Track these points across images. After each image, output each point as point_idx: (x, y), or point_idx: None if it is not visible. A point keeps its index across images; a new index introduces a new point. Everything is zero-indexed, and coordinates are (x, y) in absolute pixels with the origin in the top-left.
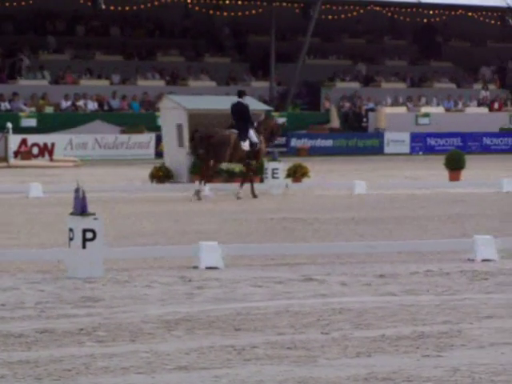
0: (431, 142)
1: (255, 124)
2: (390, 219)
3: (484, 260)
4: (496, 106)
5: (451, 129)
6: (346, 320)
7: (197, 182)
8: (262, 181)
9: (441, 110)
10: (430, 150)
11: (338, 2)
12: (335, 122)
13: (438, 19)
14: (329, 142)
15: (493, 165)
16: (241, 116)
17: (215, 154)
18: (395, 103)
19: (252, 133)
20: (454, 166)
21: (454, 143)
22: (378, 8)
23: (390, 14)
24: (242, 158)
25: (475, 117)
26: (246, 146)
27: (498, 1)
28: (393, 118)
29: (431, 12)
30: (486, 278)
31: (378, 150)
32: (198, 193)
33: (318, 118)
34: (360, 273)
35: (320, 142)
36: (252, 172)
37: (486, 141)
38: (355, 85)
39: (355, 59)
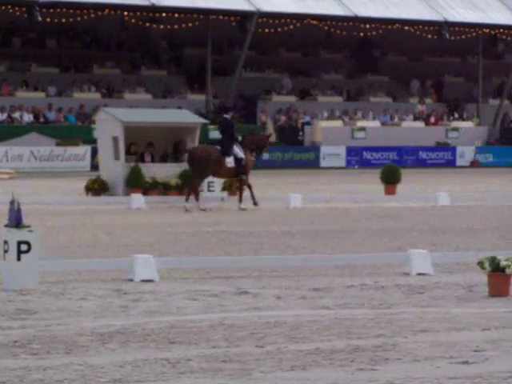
0: (367, 155)
1: (239, 139)
2: (325, 233)
3: (419, 274)
4: (432, 120)
5: (387, 143)
6: (281, 333)
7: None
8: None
9: (377, 123)
10: (365, 164)
11: (275, 15)
12: (271, 136)
13: (374, 33)
14: (265, 156)
15: (429, 179)
16: (225, 132)
17: (196, 171)
18: (331, 117)
19: (236, 148)
20: (390, 179)
21: (389, 157)
22: (314, 22)
23: (326, 28)
24: (228, 174)
25: (411, 131)
26: (230, 162)
27: (434, 15)
28: (329, 131)
29: (368, 26)
30: (421, 292)
31: (313, 164)
32: (199, 207)
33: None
34: (295, 286)
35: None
36: (247, 185)
37: (422, 155)
38: (291, 98)
39: (291, 73)
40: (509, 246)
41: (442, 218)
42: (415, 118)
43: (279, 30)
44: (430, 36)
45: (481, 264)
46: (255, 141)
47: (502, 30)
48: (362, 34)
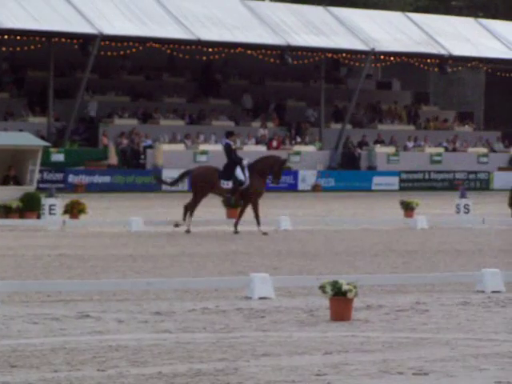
0: None
1: (245, 163)
2: (167, 256)
3: (261, 298)
4: (274, 144)
5: None
6: (123, 357)
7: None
8: (38, 217)
9: (219, 147)
10: None
11: (117, 38)
12: (113, 159)
13: (217, 57)
14: (107, 179)
15: (270, 203)
16: (228, 156)
17: (193, 191)
18: (173, 140)
19: (239, 171)
20: (233, 203)
21: None
22: (157, 45)
23: (169, 51)
24: (223, 192)
25: (253, 155)
26: (226, 184)
27: (277, 39)
28: (171, 155)
29: (210, 50)
30: (263, 316)
31: (155, 187)
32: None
33: (95, 155)
34: (136, 310)
35: (98, 179)
36: (240, 211)
37: None
38: (133, 121)
39: (133, 96)
40: (350, 270)
41: (283, 241)
42: (257, 142)
43: (122, 53)
44: (272, 60)
45: (323, 288)
46: (269, 165)
47: (344, 55)
48: (204, 58)
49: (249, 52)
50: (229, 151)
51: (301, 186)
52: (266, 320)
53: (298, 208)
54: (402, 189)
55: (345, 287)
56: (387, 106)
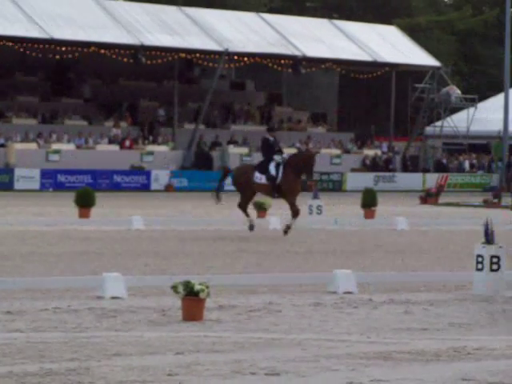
0: (61, 178)
1: (280, 158)
2: (17, 256)
3: (113, 297)
4: (127, 143)
5: (82, 166)
6: None
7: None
8: None
9: (72, 146)
10: (60, 187)
11: None
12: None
13: (70, 56)
14: None
15: (123, 203)
16: (264, 151)
17: (238, 191)
18: (26, 139)
19: (272, 167)
20: (84, 203)
21: (84, 180)
22: (9, 43)
23: (21, 50)
24: (261, 190)
25: (106, 154)
26: (259, 178)
27: (130, 39)
28: (23, 154)
29: (64, 49)
30: (115, 316)
31: (7, 186)
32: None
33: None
34: None
35: None
36: (293, 210)
37: (117, 178)
38: None
39: None
40: (202, 270)
41: (136, 241)
42: (110, 142)
43: None
44: (126, 60)
45: (175, 288)
46: (300, 160)
47: (198, 55)
48: (57, 57)
49: (102, 51)
50: (265, 146)
51: (154, 186)
52: (117, 320)
53: (151, 208)
54: None
55: (197, 287)
56: (240, 107)
